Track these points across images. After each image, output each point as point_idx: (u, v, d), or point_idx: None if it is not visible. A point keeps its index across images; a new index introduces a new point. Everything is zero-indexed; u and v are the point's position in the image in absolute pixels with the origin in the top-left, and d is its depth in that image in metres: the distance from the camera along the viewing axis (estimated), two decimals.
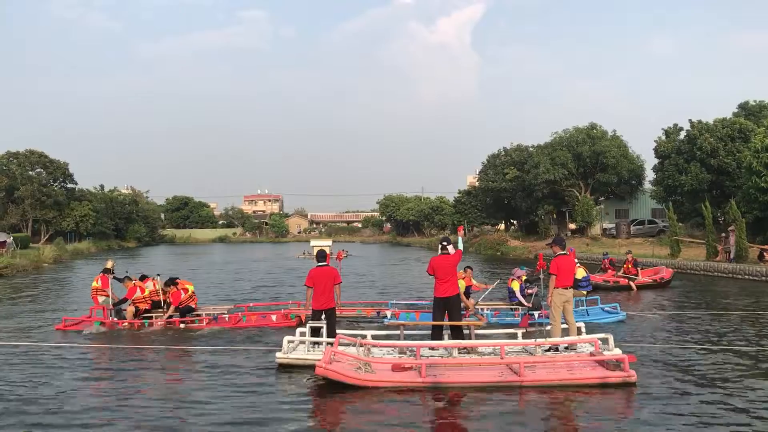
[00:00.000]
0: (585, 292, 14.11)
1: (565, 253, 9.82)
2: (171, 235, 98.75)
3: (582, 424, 6.70)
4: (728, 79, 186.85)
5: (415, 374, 8.07)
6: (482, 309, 13.50)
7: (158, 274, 14.22)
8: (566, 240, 10.64)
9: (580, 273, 13.83)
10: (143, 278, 13.83)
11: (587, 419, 6.79)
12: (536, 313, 13.01)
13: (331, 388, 7.84)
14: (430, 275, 9.72)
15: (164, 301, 13.45)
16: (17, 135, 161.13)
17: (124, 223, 76.01)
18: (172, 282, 13.50)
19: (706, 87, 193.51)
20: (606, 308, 13.76)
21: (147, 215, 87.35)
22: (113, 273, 13.81)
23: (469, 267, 14.17)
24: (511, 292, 13.87)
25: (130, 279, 13.66)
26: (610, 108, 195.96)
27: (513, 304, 13.78)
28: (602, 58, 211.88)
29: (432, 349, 9.22)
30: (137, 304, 13.19)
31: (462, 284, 13.51)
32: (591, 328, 10.82)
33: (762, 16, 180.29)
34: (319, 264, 9.99)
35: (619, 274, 20.35)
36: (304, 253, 45.88)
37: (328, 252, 10.91)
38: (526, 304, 13.42)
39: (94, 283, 13.54)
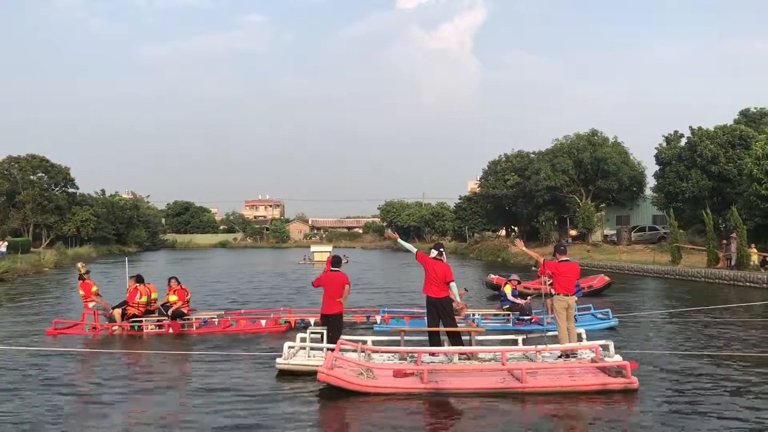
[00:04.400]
0: (576, 298, 14.19)
1: (567, 260, 9.82)
2: (172, 240, 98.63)
3: (584, 430, 6.68)
4: (729, 86, 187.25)
5: (416, 380, 8.06)
6: (473, 315, 13.52)
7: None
8: (568, 246, 10.63)
9: None
10: (139, 280, 13.84)
11: (589, 426, 6.78)
12: (526, 318, 13.07)
13: (332, 394, 7.83)
14: (417, 261, 9.79)
15: (160, 307, 13.44)
16: (19, 139, 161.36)
17: (125, 227, 76.04)
18: (177, 280, 13.58)
19: (706, 94, 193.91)
20: (598, 314, 13.79)
21: (148, 220, 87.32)
22: (87, 274, 13.93)
23: (465, 288, 14.20)
24: (503, 296, 13.93)
25: (139, 282, 13.68)
26: (611, 114, 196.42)
27: (504, 309, 13.81)
28: (603, 65, 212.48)
29: (433, 354, 9.22)
30: (127, 308, 13.22)
31: (455, 285, 13.63)
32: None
33: (763, 22, 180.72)
34: (332, 269, 10.06)
35: (546, 282, 20.57)
36: (304, 259, 45.84)
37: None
38: (519, 302, 13.48)
39: (80, 292, 13.75)
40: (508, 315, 13.52)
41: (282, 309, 15.09)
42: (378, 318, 13.51)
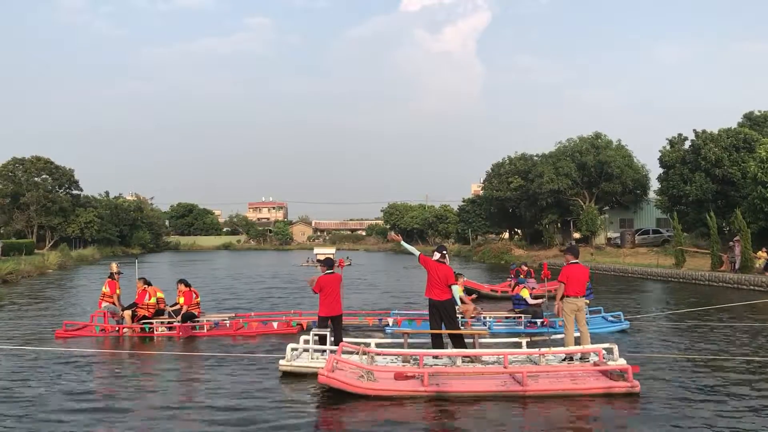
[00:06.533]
0: (587, 301, 14.22)
1: (577, 262, 9.80)
2: (175, 242, 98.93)
3: None
4: (734, 89, 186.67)
5: (417, 383, 8.04)
6: (484, 317, 13.51)
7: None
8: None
9: None
10: (146, 282, 13.80)
11: (590, 430, 6.76)
12: (538, 321, 13.04)
13: (333, 397, 7.83)
14: (420, 264, 9.78)
15: (170, 311, 13.43)
16: (23, 140, 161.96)
17: (128, 229, 76.27)
18: (185, 283, 13.55)
19: (711, 97, 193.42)
20: (609, 317, 13.74)
21: (152, 222, 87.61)
22: (119, 274, 13.91)
23: (460, 274, 14.20)
24: (518, 300, 13.89)
25: (147, 283, 13.67)
26: (615, 117, 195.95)
27: (516, 312, 13.78)
28: (607, 67, 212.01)
29: (435, 357, 9.20)
30: (137, 310, 13.23)
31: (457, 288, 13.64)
32: (594, 338, 10.78)
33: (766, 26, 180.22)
34: (327, 271, 10.10)
35: (513, 285, 20.68)
36: (308, 261, 45.86)
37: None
38: (533, 303, 13.45)
39: (104, 288, 13.71)
40: (520, 318, 13.50)
41: (293, 312, 15.10)
42: (390, 321, 13.51)
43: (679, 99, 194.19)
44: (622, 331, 12.92)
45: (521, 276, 20.88)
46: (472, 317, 13.07)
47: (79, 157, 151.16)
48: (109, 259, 54.49)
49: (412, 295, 21.65)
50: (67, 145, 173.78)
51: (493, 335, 11.78)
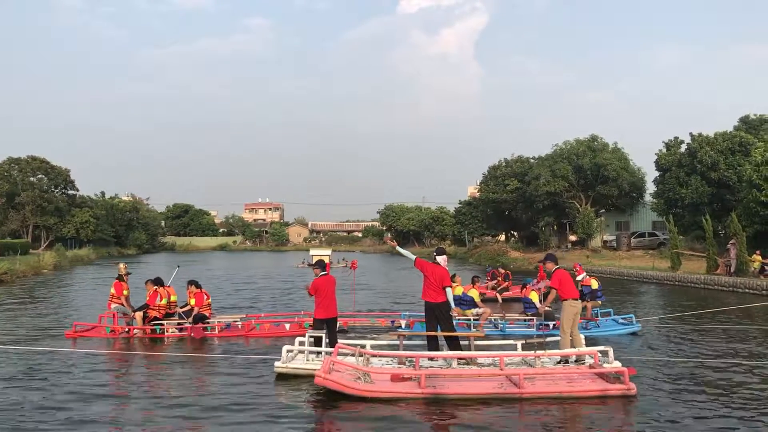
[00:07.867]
0: (600, 302, 14.38)
1: (558, 267, 9.88)
2: (171, 243, 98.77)
3: None
4: (730, 93, 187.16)
5: (414, 385, 8.04)
6: (495, 319, 13.54)
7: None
8: (564, 252, 10.66)
9: (594, 284, 14.21)
10: (158, 283, 13.70)
11: None
12: (551, 323, 13.06)
13: (329, 398, 7.81)
14: (416, 268, 9.77)
15: (181, 312, 13.37)
16: (19, 140, 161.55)
17: (124, 230, 76.13)
18: (196, 284, 13.48)
19: (707, 100, 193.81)
20: (620, 320, 13.78)
21: (147, 222, 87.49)
22: (128, 275, 13.86)
23: (477, 277, 14.34)
24: (528, 303, 13.92)
25: (157, 284, 13.59)
26: (612, 119, 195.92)
27: (528, 315, 13.81)
28: (604, 71, 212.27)
29: (431, 359, 9.20)
30: (148, 311, 13.18)
31: (475, 293, 13.74)
32: (604, 340, 10.85)
33: (764, 28, 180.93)
34: (322, 274, 10.10)
35: (490, 287, 20.77)
36: (303, 262, 45.85)
37: (327, 261, 11.07)
38: (543, 307, 13.48)
39: (111, 290, 13.66)
40: (532, 320, 13.52)
41: (303, 312, 15.04)
42: (403, 323, 13.50)
43: (675, 102, 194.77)
44: (634, 334, 12.95)
45: (498, 278, 21.08)
46: (485, 320, 13.16)
47: (76, 157, 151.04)
48: (104, 259, 54.46)
49: (411, 296, 21.64)
50: (64, 145, 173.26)
51: (488, 337, 11.77)
